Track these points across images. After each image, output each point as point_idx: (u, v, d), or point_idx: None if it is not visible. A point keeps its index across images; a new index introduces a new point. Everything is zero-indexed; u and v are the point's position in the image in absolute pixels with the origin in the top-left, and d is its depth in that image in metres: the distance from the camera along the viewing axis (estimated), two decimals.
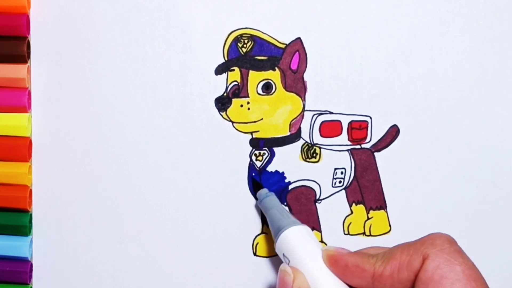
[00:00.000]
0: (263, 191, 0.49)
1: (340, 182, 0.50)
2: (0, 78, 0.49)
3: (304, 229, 0.45)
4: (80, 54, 0.50)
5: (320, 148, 0.50)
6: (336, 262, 0.42)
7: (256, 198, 0.50)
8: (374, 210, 0.50)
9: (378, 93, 0.49)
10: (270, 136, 0.50)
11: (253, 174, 0.50)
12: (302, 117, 0.50)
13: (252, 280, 0.51)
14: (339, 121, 0.50)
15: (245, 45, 0.49)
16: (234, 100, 0.50)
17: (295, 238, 0.44)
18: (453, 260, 0.39)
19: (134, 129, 0.50)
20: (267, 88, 0.49)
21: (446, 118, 0.50)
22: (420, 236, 0.50)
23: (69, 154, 0.50)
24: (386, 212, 0.50)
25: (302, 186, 0.50)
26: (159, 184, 0.50)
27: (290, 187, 0.50)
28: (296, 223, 0.45)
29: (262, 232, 0.50)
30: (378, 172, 0.50)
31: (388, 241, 0.49)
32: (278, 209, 0.47)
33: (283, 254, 0.45)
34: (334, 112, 0.50)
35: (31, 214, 0.51)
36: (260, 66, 0.49)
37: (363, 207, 0.50)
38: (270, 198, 0.48)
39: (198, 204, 0.50)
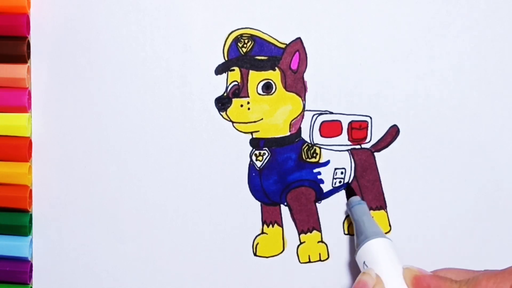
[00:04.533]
0: (355, 198, 0.49)
1: (340, 182, 0.50)
2: (0, 78, 0.49)
3: (389, 242, 0.45)
4: (80, 54, 0.50)
5: (320, 148, 0.50)
6: (418, 282, 0.42)
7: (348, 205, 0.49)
8: (374, 210, 0.50)
9: (378, 93, 0.49)
10: (270, 136, 0.50)
11: (254, 177, 0.50)
12: (302, 117, 0.50)
13: (252, 280, 0.51)
14: (339, 121, 0.50)
15: (245, 45, 0.49)
16: (234, 100, 0.50)
17: (379, 250, 0.44)
18: None
19: (134, 129, 0.50)
20: (267, 88, 0.49)
21: (446, 118, 0.50)
22: (420, 237, 0.50)
23: (69, 154, 0.50)
24: (386, 212, 0.50)
25: (302, 186, 0.50)
26: (159, 184, 0.50)
27: (290, 187, 0.50)
28: (382, 235, 0.45)
29: (262, 232, 0.50)
30: (378, 172, 0.50)
31: None
32: (366, 218, 0.46)
33: (364, 262, 0.44)
34: (334, 112, 0.50)
35: (31, 214, 0.51)
36: (260, 66, 0.49)
37: None
38: (361, 206, 0.48)
39: (198, 204, 0.50)
